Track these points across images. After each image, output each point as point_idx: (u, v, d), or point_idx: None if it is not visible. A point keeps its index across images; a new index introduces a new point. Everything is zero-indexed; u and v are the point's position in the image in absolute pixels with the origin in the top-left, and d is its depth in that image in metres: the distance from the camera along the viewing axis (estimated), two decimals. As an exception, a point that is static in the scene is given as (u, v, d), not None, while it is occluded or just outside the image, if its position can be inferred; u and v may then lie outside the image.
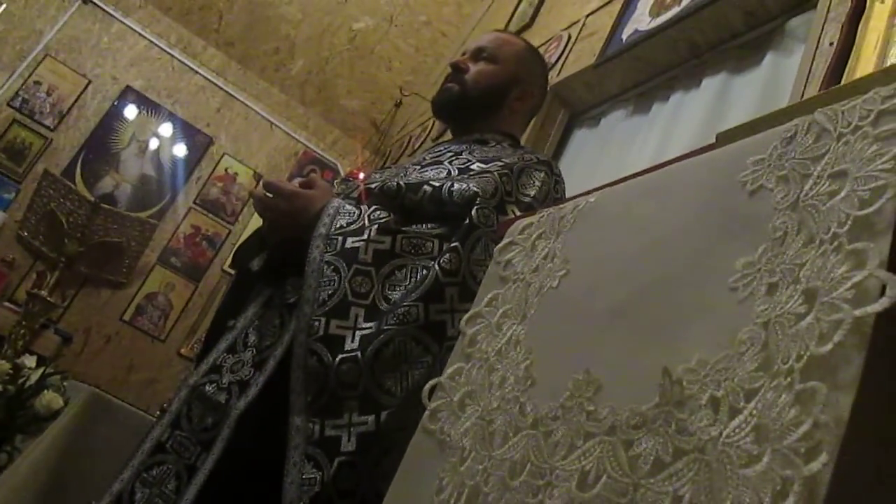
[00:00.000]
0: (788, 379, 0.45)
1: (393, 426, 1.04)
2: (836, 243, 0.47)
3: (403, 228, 1.21)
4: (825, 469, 0.39)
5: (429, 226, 1.22)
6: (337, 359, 1.08)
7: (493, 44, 1.59)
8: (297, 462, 1.04)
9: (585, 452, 0.57)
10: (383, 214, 1.23)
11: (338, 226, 1.21)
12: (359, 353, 1.08)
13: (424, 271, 1.15)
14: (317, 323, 1.11)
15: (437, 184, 1.25)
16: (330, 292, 1.13)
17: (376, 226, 1.20)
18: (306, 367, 1.10)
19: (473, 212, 1.18)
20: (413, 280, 1.15)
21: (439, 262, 1.14)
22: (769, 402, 0.45)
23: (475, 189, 1.22)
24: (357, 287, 1.14)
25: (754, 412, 0.46)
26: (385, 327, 1.09)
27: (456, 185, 1.23)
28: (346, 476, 1.03)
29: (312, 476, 1.03)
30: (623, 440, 0.55)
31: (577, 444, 0.58)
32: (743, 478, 0.44)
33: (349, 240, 1.18)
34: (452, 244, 1.16)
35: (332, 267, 1.15)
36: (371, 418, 1.05)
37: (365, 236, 1.18)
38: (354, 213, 1.24)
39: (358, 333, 1.10)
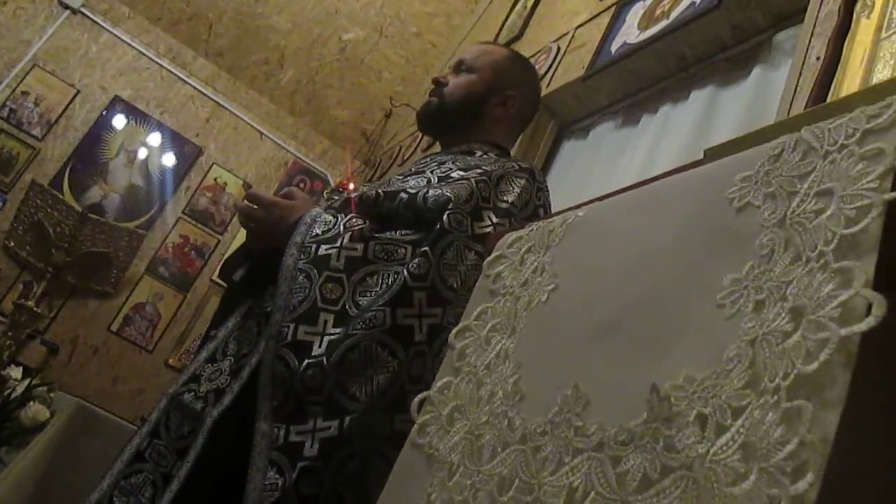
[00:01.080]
0: (775, 397, 0.45)
1: (356, 431, 1.05)
2: (822, 261, 0.47)
3: (376, 235, 1.21)
4: (811, 489, 0.39)
5: (402, 232, 1.23)
6: (303, 364, 1.08)
7: (472, 55, 1.62)
8: (261, 468, 1.04)
9: (574, 468, 0.57)
10: (358, 222, 1.24)
11: (313, 234, 1.22)
12: (324, 359, 1.08)
13: (395, 276, 1.15)
14: (286, 329, 1.12)
15: (413, 191, 1.26)
16: (300, 298, 1.14)
17: (350, 233, 1.21)
18: (273, 372, 1.10)
19: (445, 217, 1.19)
20: (384, 285, 1.15)
21: (408, 266, 1.15)
22: (756, 420, 0.45)
23: (448, 194, 1.22)
24: (328, 293, 1.14)
25: (741, 430, 0.46)
26: (351, 332, 1.10)
27: (431, 192, 1.24)
28: (307, 482, 1.03)
29: (274, 481, 1.03)
30: (611, 456, 0.55)
31: (566, 460, 0.58)
32: (730, 496, 0.44)
33: (322, 247, 1.19)
34: (422, 249, 1.16)
35: (305, 274, 1.16)
36: (335, 423, 1.05)
37: (338, 244, 1.19)
38: (331, 221, 1.25)
39: (325, 339, 1.10)
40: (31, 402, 2.28)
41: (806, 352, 0.44)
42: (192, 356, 1.49)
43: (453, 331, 0.83)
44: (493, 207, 1.26)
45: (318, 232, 1.22)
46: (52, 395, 2.43)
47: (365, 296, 1.15)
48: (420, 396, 0.80)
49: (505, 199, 1.30)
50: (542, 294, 0.75)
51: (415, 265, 1.14)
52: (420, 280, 1.13)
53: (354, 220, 1.24)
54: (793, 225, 0.52)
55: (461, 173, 1.33)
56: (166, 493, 1.10)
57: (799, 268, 0.49)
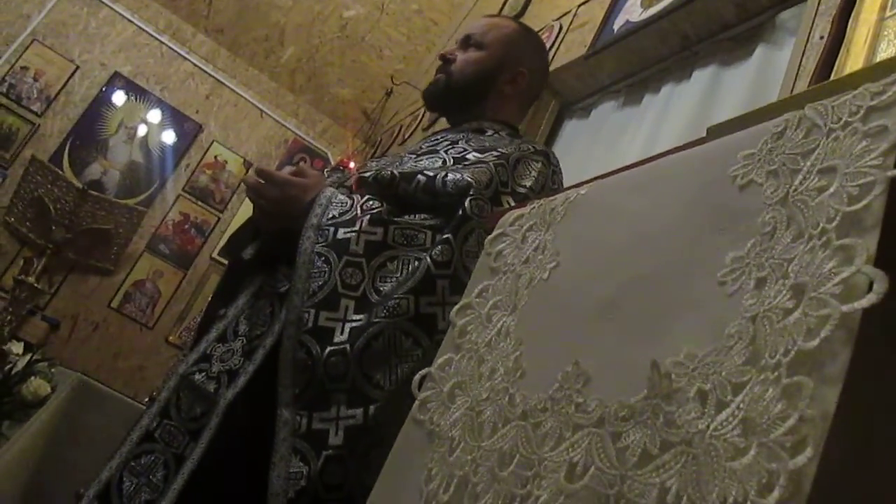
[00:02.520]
0: (775, 373, 0.45)
1: (381, 420, 1.04)
2: (824, 239, 0.47)
3: (395, 219, 1.20)
4: (810, 463, 0.40)
5: (421, 217, 1.21)
6: (325, 351, 1.07)
7: (480, 30, 1.58)
8: (284, 455, 1.04)
9: (574, 444, 0.58)
10: (376, 205, 1.21)
11: (329, 216, 1.20)
12: (347, 346, 1.07)
13: (416, 262, 1.14)
14: (306, 315, 1.10)
15: (430, 173, 1.24)
16: (320, 283, 1.12)
17: (368, 216, 1.19)
18: (295, 359, 1.09)
19: (467, 203, 1.17)
20: (405, 272, 1.14)
21: (431, 253, 1.13)
22: (756, 396, 0.45)
23: (469, 179, 1.20)
24: (347, 278, 1.13)
25: (741, 406, 0.46)
26: (375, 320, 1.08)
27: (450, 175, 1.22)
28: (332, 470, 1.02)
29: (299, 470, 1.02)
30: (611, 432, 0.55)
31: (566, 436, 0.59)
32: (729, 470, 0.44)
33: (340, 230, 1.17)
34: (444, 235, 1.15)
35: (323, 258, 1.14)
36: (359, 412, 1.04)
37: (357, 227, 1.17)
38: (347, 202, 1.23)
39: (347, 325, 1.09)
40: (33, 378, 2.29)
41: (807, 328, 0.44)
42: (193, 334, 1.48)
43: (454, 308, 0.83)
44: (512, 192, 1.25)
45: (335, 214, 1.20)
46: (53, 370, 2.44)
47: (385, 281, 1.13)
48: (421, 373, 0.80)
49: (523, 183, 1.29)
50: (544, 271, 0.75)
51: (438, 252, 1.13)
52: (443, 267, 1.12)
53: (370, 202, 1.22)
54: (795, 202, 0.52)
55: (476, 155, 1.31)
56: (179, 474, 1.10)
57: (801, 245, 0.49)
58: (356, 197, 1.24)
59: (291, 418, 1.06)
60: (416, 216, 1.21)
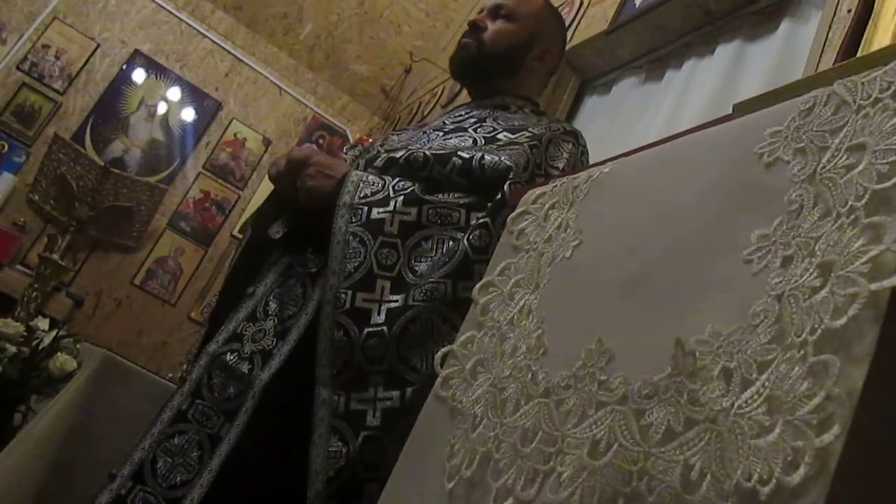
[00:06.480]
0: (802, 352, 0.45)
1: (418, 403, 1.04)
2: (852, 217, 0.47)
3: (428, 198, 1.19)
4: (837, 441, 0.40)
5: (455, 195, 1.20)
6: (363, 333, 1.08)
7: (511, 1, 1.55)
8: (324, 434, 1.05)
9: (597, 421, 0.58)
10: (407, 184, 1.21)
11: (362, 195, 1.19)
12: (385, 329, 1.07)
13: (451, 243, 1.14)
14: (343, 296, 1.10)
15: (466, 155, 1.23)
16: (356, 264, 1.12)
17: (402, 196, 1.18)
18: (333, 340, 1.09)
19: (506, 187, 1.16)
20: (439, 252, 1.14)
21: (468, 238, 1.13)
22: (782, 374, 0.45)
23: (508, 163, 1.19)
24: (383, 259, 1.13)
25: (767, 384, 0.46)
26: (412, 303, 1.09)
27: (487, 158, 1.21)
28: (371, 450, 1.03)
29: (338, 449, 1.03)
30: (634, 409, 0.55)
31: (589, 413, 0.59)
32: (754, 448, 0.44)
33: (374, 210, 1.17)
34: (482, 220, 1.14)
35: (358, 238, 1.14)
36: (396, 394, 1.05)
37: (391, 207, 1.17)
38: (378, 182, 1.22)
39: (384, 307, 1.09)
40: (59, 353, 2.32)
41: (834, 307, 0.44)
42: (212, 310, 1.49)
43: (476, 286, 0.83)
44: (545, 174, 1.24)
45: (367, 193, 1.20)
46: (78, 346, 2.47)
47: (420, 261, 1.14)
48: (443, 350, 0.81)
49: (555, 164, 1.28)
50: (567, 250, 0.75)
51: (476, 237, 1.12)
52: (481, 252, 1.11)
53: (402, 182, 1.22)
54: (823, 180, 0.51)
55: (507, 135, 1.31)
56: (215, 455, 1.11)
57: (828, 223, 0.49)
58: (387, 178, 1.24)
59: (329, 398, 1.07)
60: (450, 195, 1.21)
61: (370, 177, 1.24)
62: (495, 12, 1.54)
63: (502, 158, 1.20)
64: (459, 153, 1.24)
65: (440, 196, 1.20)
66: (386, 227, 1.15)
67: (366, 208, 1.17)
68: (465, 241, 1.13)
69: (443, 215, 1.18)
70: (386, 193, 1.20)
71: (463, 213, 1.18)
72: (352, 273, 1.12)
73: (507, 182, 1.16)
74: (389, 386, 1.06)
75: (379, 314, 1.09)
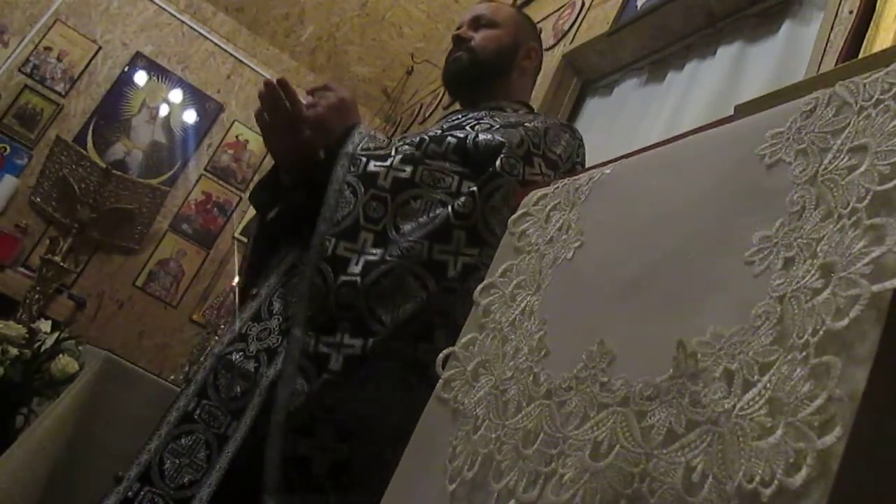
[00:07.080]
0: (803, 353, 0.45)
1: (378, 353, 1.08)
2: (854, 218, 0.47)
3: (427, 161, 1.22)
4: (839, 442, 0.40)
5: (451, 163, 1.23)
6: (339, 280, 1.11)
7: (488, 11, 1.60)
8: (291, 373, 1.09)
9: (598, 423, 0.58)
10: (410, 148, 1.24)
11: (364, 147, 1.23)
12: (358, 279, 1.10)
13: (440, 209, 1.16)
14: (328, 242, 1.14)
15: (461, 135, 1.26)
16: (345, 213, 1.16)
17: (401, 155, 1.22)
18: (312, 284, 1.13)
19: (499, 160, 1.19)
20: (426, 215, 1.16)
21: (453, 204, 1.16)
22: (783, 376, 0.45)
23: (500, 139, 1.23)
24: (371, 212, 1.16)
25: (768, 385, 0.46)
26: (388, 258, 1.12)
27: (481, 136, 1.24)
28: (330, 393, 1.07)
29: (300, 387, 1.07)
30: (636, 411, 0.55)
31: (591, 415, 0.59)
32: (756, 449, 0.44)
33: (372, 163, 1.20)
34: (471, 189, 1.17)
35: (351, 189, 1.18)
36: (359, 342, 1.08)
37: (388, 163, 1.20)
38: (383, 140, 1.27)
39: (363, 258, 1.12)
40: (61, 355, 2.32)
41: (836, 308, 0.44)
42: (214, 312, 1.50)
43: (478, 287, 0.83)
44: (544, 156, 1.27)
45: (371, 147, 1.24)
46: (80, 348, 2.47)
47: (406, 220, 1.16)
48: (445, 352, 0.81)
49: (554, 150, 1.31)
50: (568, 251, 0.75)
51: (460, 204, 1.15)
52: (463, 219, 1.14)
53: (405, 145, 1.25)
54: (824, 181, 0.51)
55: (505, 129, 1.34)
56: (223, 454, 1.11)
57: (830, 224, 0.49)
58: (393, 139, 1.28)
59: (301, 337, 1.10)
60: (447, 162, 1.24)
61: (379, 134, 1.28)
62: (476, 23, 1.58)
63: (496, 136, 1.24)
64: (454, 132, 1.28)
65: (437, 162, 1.23)
66: (379, 180, 1.18)
67: (364, 159, 1.21)
68: (450, 208, 1.16)
69: (436, 178, 1.20)
70: (388, 150, 1.23)
71: (456, 179, 1.21)
72: (339, 222, 1.15)
73: (500, 156, 1.19)
74: (355, 334, 1.09)
75: (357, 264, 1.12)
